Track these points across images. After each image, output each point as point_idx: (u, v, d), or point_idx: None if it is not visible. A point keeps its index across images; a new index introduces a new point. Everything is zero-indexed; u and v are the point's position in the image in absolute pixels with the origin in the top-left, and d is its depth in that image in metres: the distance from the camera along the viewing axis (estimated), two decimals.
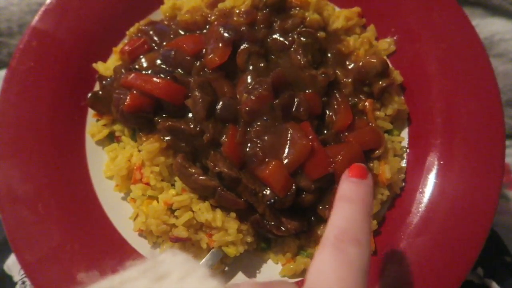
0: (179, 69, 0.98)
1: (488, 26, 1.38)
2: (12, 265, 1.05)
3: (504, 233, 1.06)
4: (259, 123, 0.91)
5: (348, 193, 0.58)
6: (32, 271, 0.89)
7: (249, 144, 0.90)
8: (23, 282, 1.02)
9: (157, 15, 1.13)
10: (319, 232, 0.92)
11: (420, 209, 0.91)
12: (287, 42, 1.00)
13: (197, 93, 0.91)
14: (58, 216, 0.94)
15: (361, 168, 0.61)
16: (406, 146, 1.00)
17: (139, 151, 0.96)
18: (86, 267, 0.90)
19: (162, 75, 0.94)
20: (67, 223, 0.94)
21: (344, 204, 0.56)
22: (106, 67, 1.07)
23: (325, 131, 0.96)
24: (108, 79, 1.03)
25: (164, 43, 1.04)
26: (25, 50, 1.04)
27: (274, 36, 1.02)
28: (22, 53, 1.03)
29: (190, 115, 0.94)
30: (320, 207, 0.91)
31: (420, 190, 0.93)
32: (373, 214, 0.93)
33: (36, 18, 1.06)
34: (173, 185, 0.95)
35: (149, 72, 0.97)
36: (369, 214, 0.56)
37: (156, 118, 0.94)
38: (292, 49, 1.00)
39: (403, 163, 0.98)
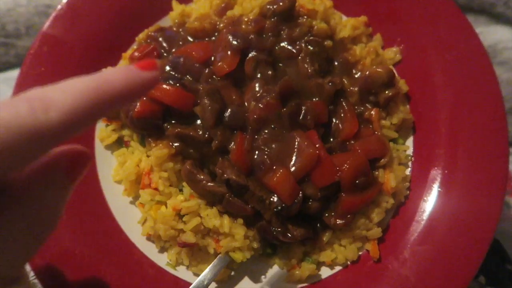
0: (188, 76, 0.99)
1: (491, 34, 1.39)
2: None
3: (506, 241, 1.07)
4: (266, 131, 0.92)
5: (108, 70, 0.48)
6: (42, 274, 0.90)
7: (256, 152, 0.91)
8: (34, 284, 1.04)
9: (166, 22, 1.14)
10: (324, 239, 0.94)
11: (424, 218, 0.93)
12: (294, 51, 1.02)
13: (206, 101, 0.92)
14: (68, 220, 0.96)
15: (147, 62, 0.49)
16: (411, 154, 1.02)
17: (148, 156, 0.98)
18: (95, 271, 0.92)
19: (171, 82, 0.96)
20: (76, 227, 0.96)
21: (91, 75, 0.45)
22: None
23: (331, 139, 0.97)
24: None
25: (173, 50, 1.06)
26: (36, 55, 1.05)
27: (282, 44, 1.03)
28: (33, 58, 1.05)
29: (198, 122, 0.95)
30: (326, 215, 0.92)
31: (424, 198, 0.95)
32: (378, 222, 0.94)
33: (47, 23, 1.07)
34: (181, 190, 0.96)
35: None
36: (97, 89, 0.43)
37: (165, 125, 0.95)
38: (299, 57, 1.01)
39: (408, 172, 1.00)
